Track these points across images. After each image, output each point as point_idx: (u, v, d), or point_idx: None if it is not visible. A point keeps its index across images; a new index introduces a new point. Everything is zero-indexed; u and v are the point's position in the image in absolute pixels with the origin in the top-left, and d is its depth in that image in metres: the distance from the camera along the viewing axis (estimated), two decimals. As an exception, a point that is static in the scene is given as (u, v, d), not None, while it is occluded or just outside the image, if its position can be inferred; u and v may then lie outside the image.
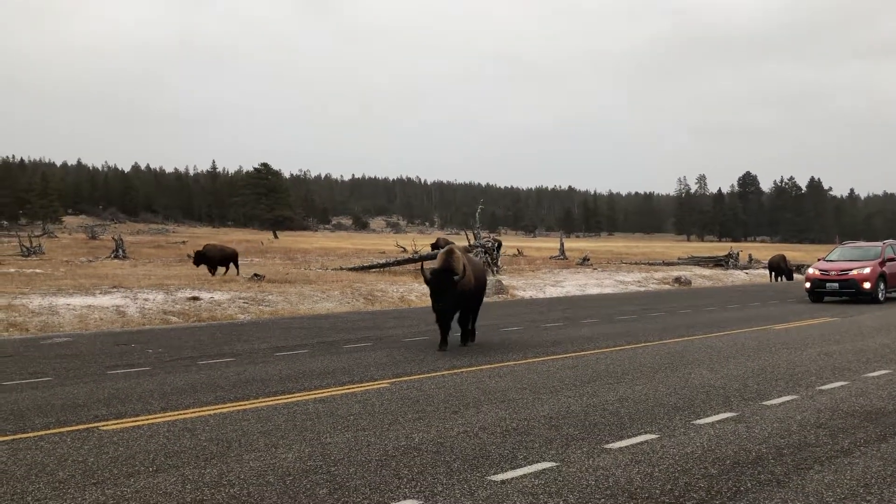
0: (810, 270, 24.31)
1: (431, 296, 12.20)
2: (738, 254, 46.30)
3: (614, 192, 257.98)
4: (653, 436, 6.85)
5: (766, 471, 5.87)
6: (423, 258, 34.64)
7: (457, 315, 12.79)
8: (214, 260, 29.97)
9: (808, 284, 23.59)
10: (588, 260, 42.24)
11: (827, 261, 24.44)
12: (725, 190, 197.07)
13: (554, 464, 5.99)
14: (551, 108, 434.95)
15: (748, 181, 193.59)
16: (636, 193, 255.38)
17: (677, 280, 33.40)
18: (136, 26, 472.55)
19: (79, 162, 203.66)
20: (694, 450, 6.41)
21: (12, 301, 17.03)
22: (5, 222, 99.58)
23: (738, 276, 38.86)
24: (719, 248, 73.29)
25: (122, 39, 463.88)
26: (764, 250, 68.81)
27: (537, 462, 6.03)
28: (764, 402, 8.31)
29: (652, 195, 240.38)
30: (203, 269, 29.52)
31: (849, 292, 22.65)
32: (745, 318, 17.81)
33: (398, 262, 34.15)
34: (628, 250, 71.09)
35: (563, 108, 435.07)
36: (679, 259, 48.44)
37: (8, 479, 5.66)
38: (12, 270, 28.76)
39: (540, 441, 6.67)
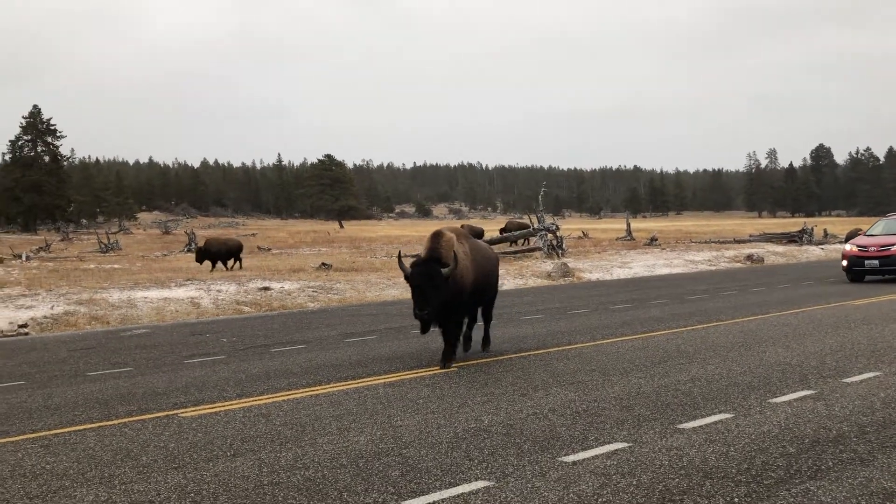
0: (847, 247, 21.61)
1: (413, 298, 9.15)
2: (812, 229, 44.76)
3: (681, 169, 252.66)
4: (727, 415, 6.71)
5: (848, 449, 5.69)
6: (492, 241, 34.61)
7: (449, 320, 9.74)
8: (219, 254, 28.34)
9: (844, 262, 20.84)
10: (656, 240, 41.47)
11: (868, 235, 21.83)
12: (797, 164, 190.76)
13: (626, 444, 5.93)
14: (609, 86, 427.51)
15: (821, 154, 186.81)
16: (704, 171, 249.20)
17: (749, 258, 32.53)
18: (198, 27, 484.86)
19: (150, 160, 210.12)
20: (771, 429, 6.26)
21: (93, 295, 17.72)
22: (84, 220, 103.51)
23: (812, 252, 37.62)
24: (792, 223, 71.06)
25: (186, 40, 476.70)
26: (840, 224, 66.42)
27: (609, 443, 5.98)
28: (844, 380, 8.04)
29: (720, 172, 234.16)
30: (273, 259, 29.90)
31: (890, 269, 19.84)
32: (821, 295, 17.24)
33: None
34: (697, 229, 69.52)
35: (621, 86, 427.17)
36: (750, 236, 47.11)
37: (96, 463, 5.91)
38: (92, 266, 29.90)
39: (611, 422, 6.61)
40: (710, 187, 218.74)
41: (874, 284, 19.60)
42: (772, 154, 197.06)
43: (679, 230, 64.92)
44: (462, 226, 44.59)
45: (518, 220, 47.96)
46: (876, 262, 19.95)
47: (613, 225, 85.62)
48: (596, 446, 5.90)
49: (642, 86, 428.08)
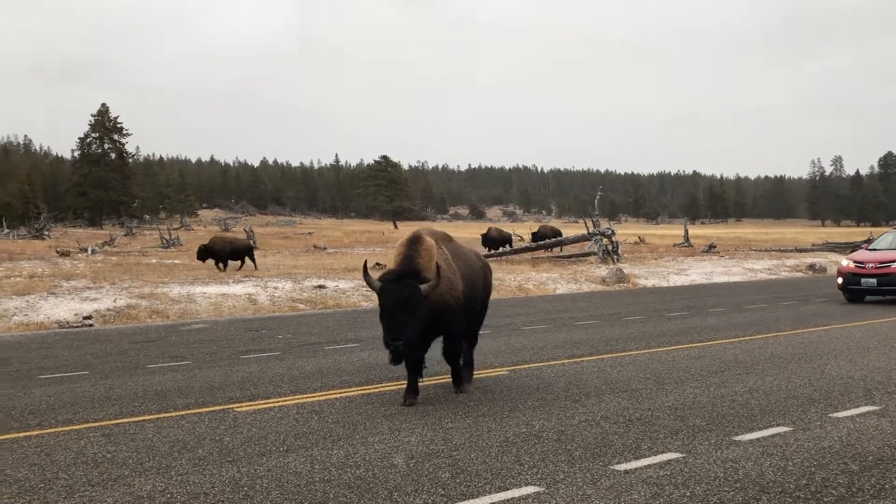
0: (843, 262, 19.16)
1: (382, 322, 7.33)
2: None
3: (742, 176, 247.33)
4: (786, 428, 6.54)
5: (913, 469, 5.49)
6: (515, 250, 34.34)
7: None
8: (223, 254, 27.00)
9: (839, 280, 18.52)
10: (714, 247, 40.67)
11: (871, 249, 19.24)
12: (864, 171, 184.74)
13: (680, 455, 5.83)
14: (668, 92, 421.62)
15: (890, 161, 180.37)
16: (765, 177, 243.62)
17: (811, 267, 31.65)
18: (259, 30, 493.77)
19: (212, 158, 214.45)
20: (832, 444, 6.08)
21: (154, 290, 18.18)
22: (147, 216, 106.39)
23: (879, 263, 36.39)
24: (857, 233, 68.90)
25: (247, 43, 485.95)
26: (909, 235, 64.08)
27: (662, 452, 5.88)
28: (910, 396, 7.76)
29: (783, 178, 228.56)
30: (328, 258, 29.98)
31: (891, 290, 17.43)
32: (886, 307, 16.66)
33: (515, 251, 34.07)
34: (757, 237, 67.96)
35: (679, 91, 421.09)
36: (813, 245, 45.83)
37: (154, 454, 6.06)
38: (154, 261, 30.69)
39: (665, 431, 6.50)
40: (772, 194, 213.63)
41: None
42: (837, 161, 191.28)
43: (738, 237, 63.57)
44: (540, 227, 43.97)
45: (550, 226, 47.32)
46: (873, 280, 17.59)
47: (671, 231, 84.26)
48: (649, 455, 5.81)
49: (702, 91, 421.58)
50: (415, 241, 7.80)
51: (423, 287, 7.31)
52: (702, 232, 76.74)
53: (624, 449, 6.00)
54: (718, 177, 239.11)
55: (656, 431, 6.51)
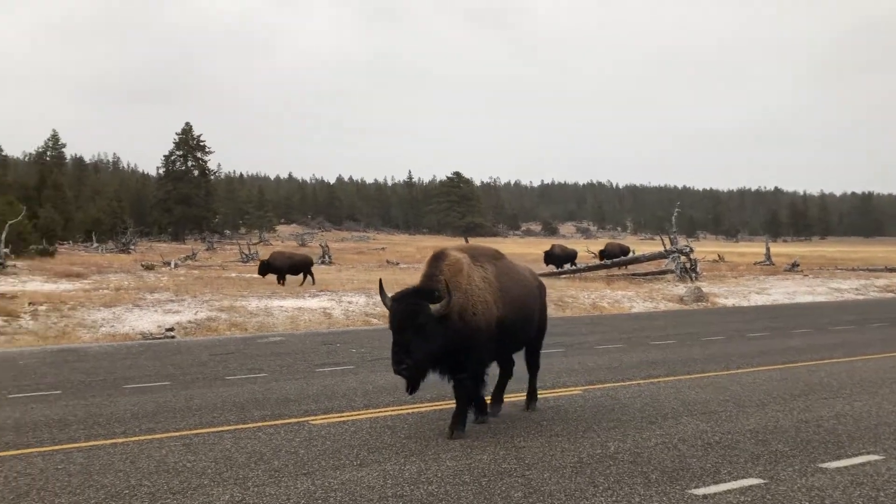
0: None
1: (392, 345, 6.67)
2: (977, 258, 41.10)
3: (826, 192, 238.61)
4: (877, 457, 6.24)
5: None
6: (577, 268, 33.77)
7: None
8: (282, 269, 27.60)
9: None
10: (797, 266, 39.29)
11: None
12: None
13: (761, 481, 5.62)
14: (748, 103, 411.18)
15: None
16: (852, 193, 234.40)
17: (902, 287, 30.23)
18: (335, 50, 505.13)
19: (290, 175, 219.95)
20: (927, 475, 5.76)
21: (234, 303, 18.67)
22: (228, 231, 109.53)
23: (977, 284, 34.48)
24: (954, 252, 65.50)
25: (322, 63, 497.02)
26: None
27: (743, 478, 5.69)
28: None
29: (871, 195, 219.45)
30: (401, 273, 30.27)
31: None
32: None
33: (589, 268, 33.65)
34: (844, 255, 65.31)
35: (760, 103, 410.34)
36: (904, 264, 43.80)
37: (231, 465, 6.19)
38: (233, 275, 31.55)
39: (745, 456, 6.29)
40: (859, 211, 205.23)
41: None
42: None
43: (823, 256, 61.28)
44: (607, 244, 43.15)
45: (618, 243, 46.39)
46: None
47: (751, 249, 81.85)
48: (729, 481, 5.63)
49: (784, 105, 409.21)
50: (438, 258, 7.26)
51: (435, 307, 6.63)
52: (784, 250, 74.26)
53: (702, 473, 5.83)
54: (801, 193, 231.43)
55: (736, 456, 6.30)
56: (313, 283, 26.99)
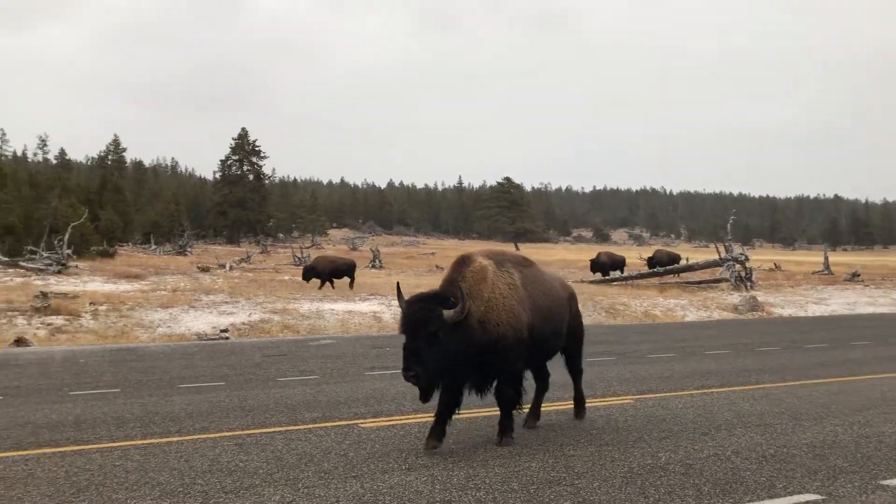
0: None
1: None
2: None
3: (889, 200, 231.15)
4: (941, 475, 6.02)
5: None
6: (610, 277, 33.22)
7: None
8: (325, 273, 27.97)
9: None
10: (858, 275, 38.15)
11: None
12: None
13: (818, 496, 5.48)
14: (806, 109, 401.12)
15: None
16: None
17: (970, 299, 29.13)
18: (385, 59, 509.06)
19: (342, 180, 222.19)
20: None
21: (286, 305, 18.94)
22: (281, 235, 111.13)
23: None
24: None
25: (374, 70, 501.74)
26: None
27: (799, 493, 5.55)
28: None
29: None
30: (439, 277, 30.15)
31: None
32: None
33: (641, 276, 33.23)
34: (907, 265, 63.25)
35: (819, 109, 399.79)
36: (972, 275, 42.20)
37: (282, 465, 6.28)
38: (286, 278, 32.01)
39: (802, 470, 6.13)
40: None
41: None
42: None
43: (885, 265, 59.37)
44: (656, 251, 42.17)
45: (666, 250, 45.27)
46: None
47: (809, 258, 79.79)
48: (784, 495, 5.50)
49: (844, 111, 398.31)
50: (461, 263, 7.05)
51: (448, 313, 6.33)
52: (843, 259, 72.22)
53: (756, 486, 5.70)
54: (863, 201, 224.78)
55: (792, 470, 6.15)
56: (351, 287, 27.12)
